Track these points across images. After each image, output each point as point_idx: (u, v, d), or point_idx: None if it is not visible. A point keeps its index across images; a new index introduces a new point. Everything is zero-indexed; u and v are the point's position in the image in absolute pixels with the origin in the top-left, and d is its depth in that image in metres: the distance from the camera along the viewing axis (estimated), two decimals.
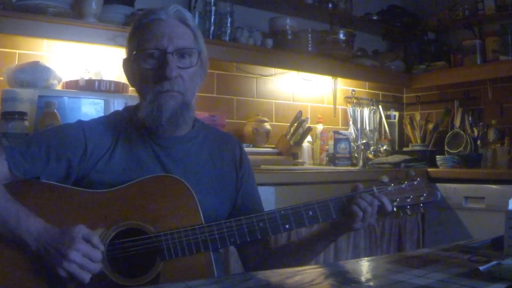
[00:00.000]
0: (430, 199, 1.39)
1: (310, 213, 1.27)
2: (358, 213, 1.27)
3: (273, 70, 3.24)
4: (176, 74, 1.26)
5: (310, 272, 1.11)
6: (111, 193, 1.22)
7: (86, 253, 1.10)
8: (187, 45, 1.29)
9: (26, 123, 2.00)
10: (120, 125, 1.33)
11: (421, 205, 1.39)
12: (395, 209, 1.35)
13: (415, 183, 1.39)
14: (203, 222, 1.22)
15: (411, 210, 1.38)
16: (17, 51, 2.32)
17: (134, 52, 1.29)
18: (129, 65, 1.34)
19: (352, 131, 3.48)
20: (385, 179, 1.37)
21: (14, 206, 1.15)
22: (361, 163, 3.23)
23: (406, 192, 1.37)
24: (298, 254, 1.39)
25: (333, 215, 1.29)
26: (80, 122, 1.32)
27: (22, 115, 1.99)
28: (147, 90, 1.27)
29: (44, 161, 1.23)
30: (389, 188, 1.35)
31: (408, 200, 1.36)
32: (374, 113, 3.71)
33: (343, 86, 3.62)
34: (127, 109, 1.42)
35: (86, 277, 1.10)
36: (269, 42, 2.97)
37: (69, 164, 1.25)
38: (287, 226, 1.26)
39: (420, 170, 3.02)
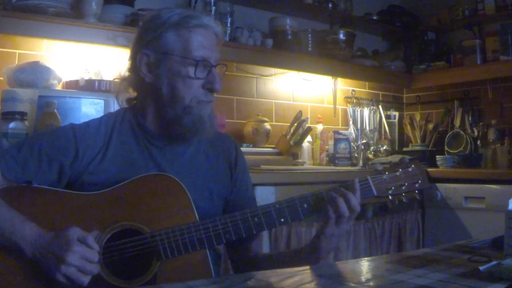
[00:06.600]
0: (425, 185, 1.37)
1: (305, 205, 1.27)
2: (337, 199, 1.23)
3: (273, 70, 3.24)
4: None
5: (310, 272, 1.11)
6: (104, 194, 1.22)
7: (84, 255, 1.09)
8: (221, 58, 1.34)
9: (26, 123, 1.99)
10: (113, 126, 1.33)
11: (417, 192, 1.37)
12: (390, 197, 1.34)
13: (410, 170, 1.36)
14: (198, 220, 1.22)
15: (407, 198, 1.37)
16: (17, 51, 2.32)
17: (174, 55, 1.27)
18: (156, 60, 1.28)
19: (352, 131, 3.48)
20: (379, 167, 1.36)
21: (8, 212, 1.14)
22: (361, 163, 3.23)
23: (401, 179, 1.35)
24: (286, 264, 1.34)
25: (327, 207, 1.26)
26: (71, 125, 1.33)
27: (22, 115, 1.99)
28: (184, 95, 1.28)
29: (36, 164, 1.23)
30: (384, 177, 1.34)
31: (403, 187, 1.35)
32: (374, 113, 3.70)
33: (343, 86, 3.62)
34: (120, 110, 1.41)
35: (85, 279, 1.09)
36: (269, 42, 2.97)
37: (61, 167, 1.25)
38: (282, 219, 1.25)
39: None
